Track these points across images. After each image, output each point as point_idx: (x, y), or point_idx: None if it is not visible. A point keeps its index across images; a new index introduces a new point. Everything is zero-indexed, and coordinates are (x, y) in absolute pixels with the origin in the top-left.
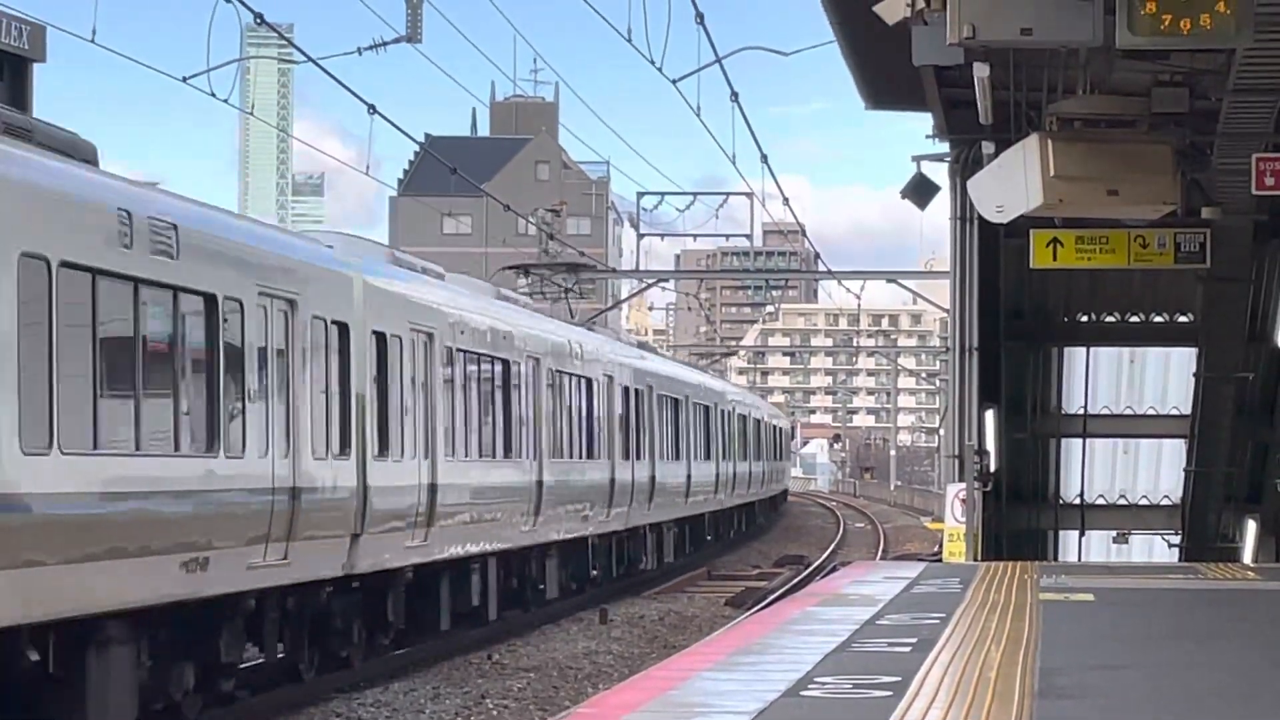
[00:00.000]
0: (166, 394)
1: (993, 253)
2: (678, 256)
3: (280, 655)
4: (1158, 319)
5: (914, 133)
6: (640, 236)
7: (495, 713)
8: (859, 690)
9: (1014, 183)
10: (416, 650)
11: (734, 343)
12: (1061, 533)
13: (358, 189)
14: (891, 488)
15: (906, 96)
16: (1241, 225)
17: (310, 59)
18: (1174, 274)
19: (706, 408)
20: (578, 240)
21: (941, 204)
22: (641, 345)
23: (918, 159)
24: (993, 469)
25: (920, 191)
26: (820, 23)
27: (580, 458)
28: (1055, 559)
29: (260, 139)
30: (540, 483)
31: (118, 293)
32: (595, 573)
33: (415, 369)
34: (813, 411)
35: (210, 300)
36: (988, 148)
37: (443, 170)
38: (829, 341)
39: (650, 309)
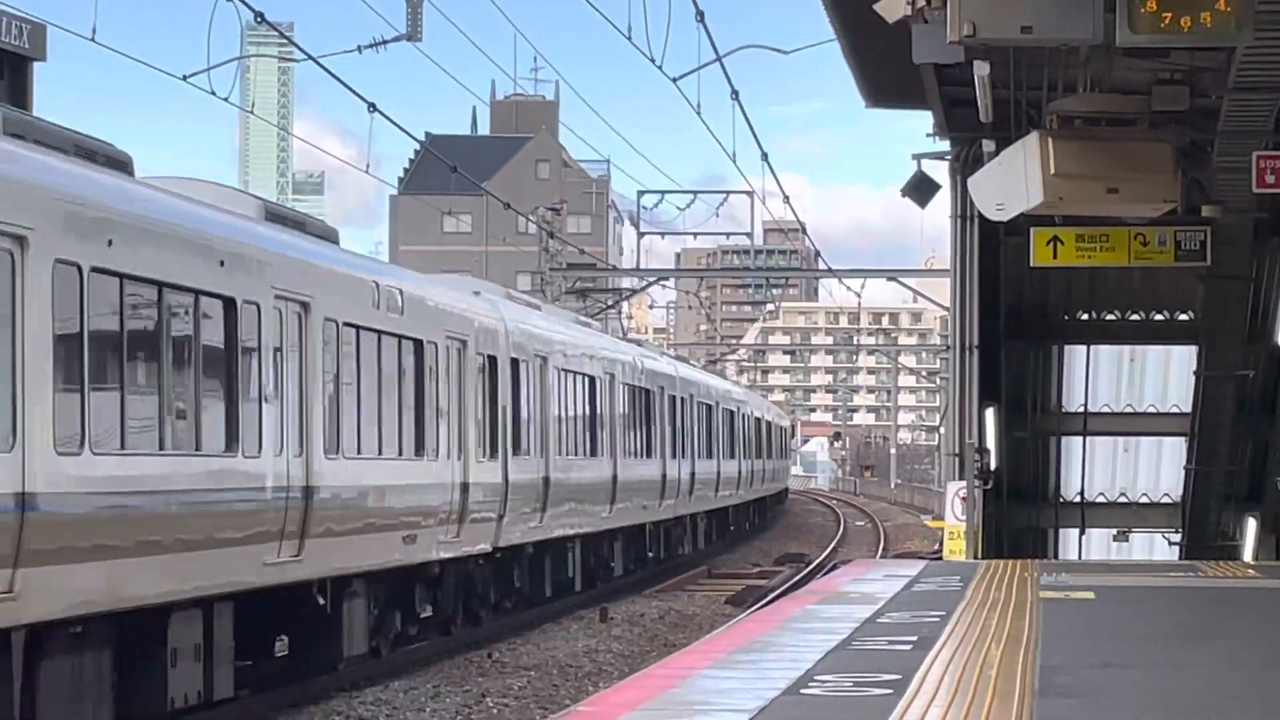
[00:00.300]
0: (396, 413)
1: (993, 251)
2: (678, 255)
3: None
4: (1158, 317)
5: (914, 131)
6: (640, 235)
7: (495, 711)
8: (859, 688)
9: (1014, 181)
10: (417, 649)
11: (734, 341)
12: (1062, 531)
13: (358, 187)
14: (892, 486)
15: (907, 95)
16: (1242, 223)
17: (310, 57)
18: (1174, 272)
19: (731, 412)
20: (578, 239)
21: (942, 202)
22: (678, 358)
23: (918, 157)
24: (993, 467)
25: (920, 190)
26: (820, 21)
27: (642, 457)
28: (1055, 557)
29: (261, 137)
30: (615, 478)
31: (370, 341)
32: (651, 554)
33: (536, 387)
34: (813, 410)
35: (418, 344)
36: (988, 146)
37: (443, 169)
38: (829, 340)
39: (650, 307)
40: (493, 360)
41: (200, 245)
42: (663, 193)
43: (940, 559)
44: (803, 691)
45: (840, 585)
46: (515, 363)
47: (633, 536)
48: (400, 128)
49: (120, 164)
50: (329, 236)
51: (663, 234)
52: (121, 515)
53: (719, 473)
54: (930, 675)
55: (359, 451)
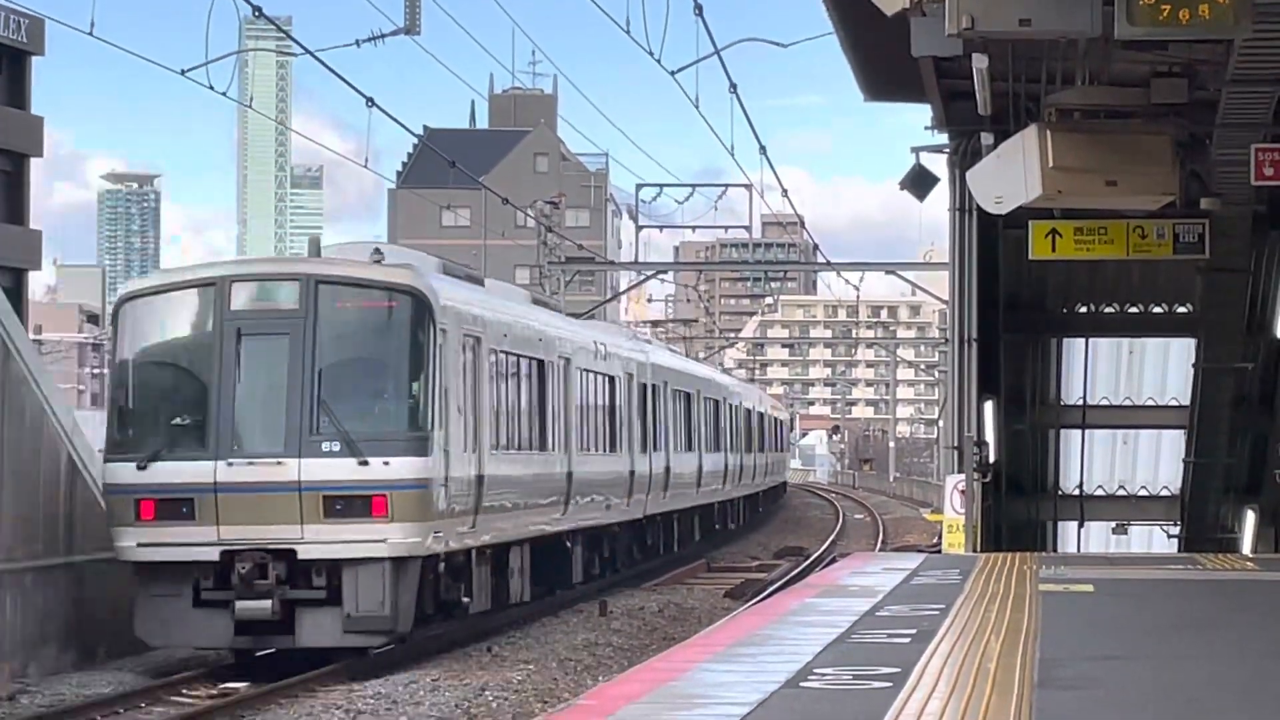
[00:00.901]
0: (605, 424)
1: (991, 244)
2: (676, 248)
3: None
4: (1156, 310)
5: (913, 124)
6: (639, 228)
7: (495, 704)
8: (859, 681)
9: (1013, 174)
10: (416, 641)
11: (733, 334)
12: (1061, 524)
13: (356, 181)
14: (890, 479)
15: (905, 88)
16: (1240, 216)
17: (308, 51)
18: (1173, 265)
19: (761, 414)
20: (576, 233)
21: (940, 195)
22: (726, 371)
23: (916, 150)
24: (992, 460)
25: (919, 183)
26: (819, 14)
27: (713, 452)
28: (1054, 550)
29: (259, 132)
30: (700, 468)
31: (591, 379)
32: (718, 526)
33: (662, 403)
34: (811, 403)
35: (611, 379)
36: (986, 139)
37: (441, 163)
38: (828, 333)
39: (649, 301)
40: (643, 386)
41: (531, 332)
42: (661, 186)
43: (939, 552)
44: (802, 684)
45: (839, 578)
46: (654, 388)
47: (707, 511)
48: (398, 122)
49: (480, 281)
50: (559, 309)
51: (661, 227)
52: (506, 488)
53: (754, 464)
54: (930, 668)
55: (591, 450)
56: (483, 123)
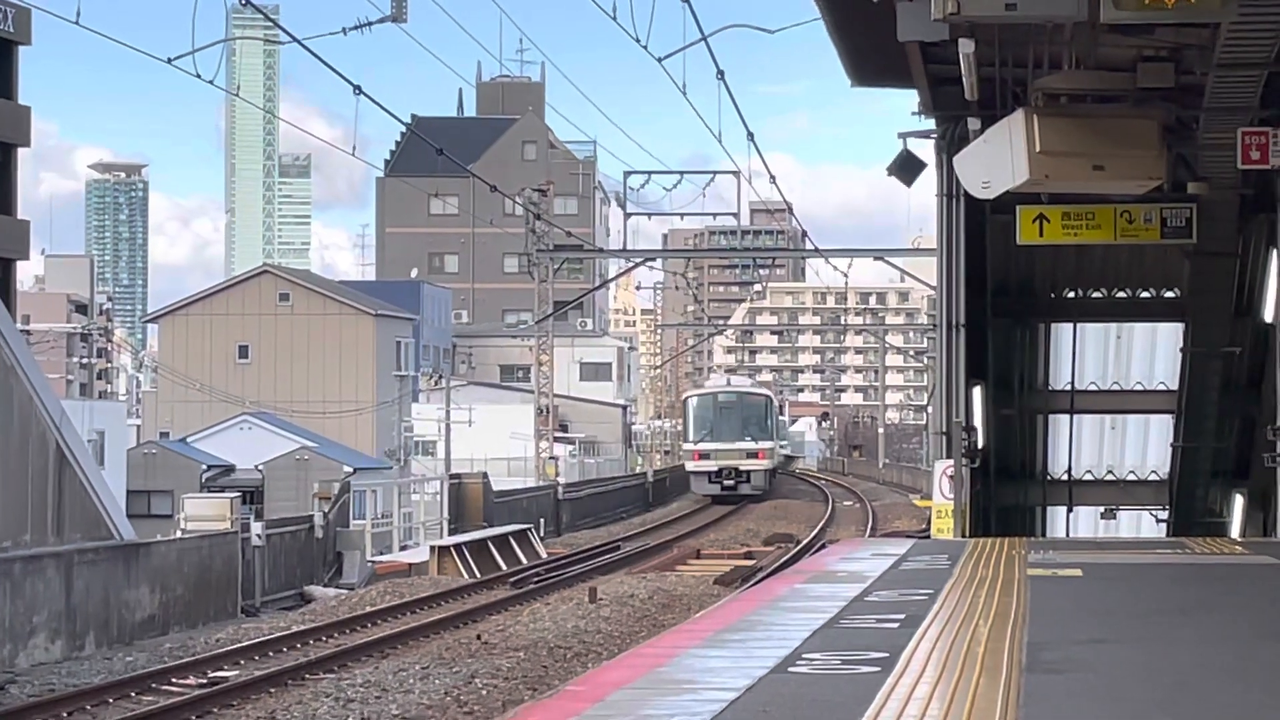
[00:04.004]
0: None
1: (979, 229)
2: (665, 236)
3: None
4: (1144, 294)
5: (900, 110)
6: (627, 216)
7: (485, 692)
8: (847, 666)
9: (1000, 159)
10: (406, 630)
11: (722, 321)
12: (1049, 509)
13: (346, 170)
14: (880, 465)
15: (892, 73)
16: (1228, 200)
17: (295, 39)
18: (1160, 249)
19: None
20: (565, 220)
21: (928, 181)
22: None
23: (904, 136)
24: (980, 445)
25: (906, 168)
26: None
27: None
28: (1043, 535)
29: (246, 120)
30: (788, 449)
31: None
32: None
33: (779, 415)
34: (801, 390)
35: (768, 400)
36: (973, 124)
37: (429, 151)
38: (817, 320)
39: (638, 288)
40: (782, 407)
41: (778, 401)
42: (649, 173)
43: (928, 537)
44: (791, 669)
45: (828, 564)
46: (780, 406)
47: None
48: (386, 110)
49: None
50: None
51: (649, 215)
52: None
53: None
54: (918, 653)
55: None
56: (470, 111)
